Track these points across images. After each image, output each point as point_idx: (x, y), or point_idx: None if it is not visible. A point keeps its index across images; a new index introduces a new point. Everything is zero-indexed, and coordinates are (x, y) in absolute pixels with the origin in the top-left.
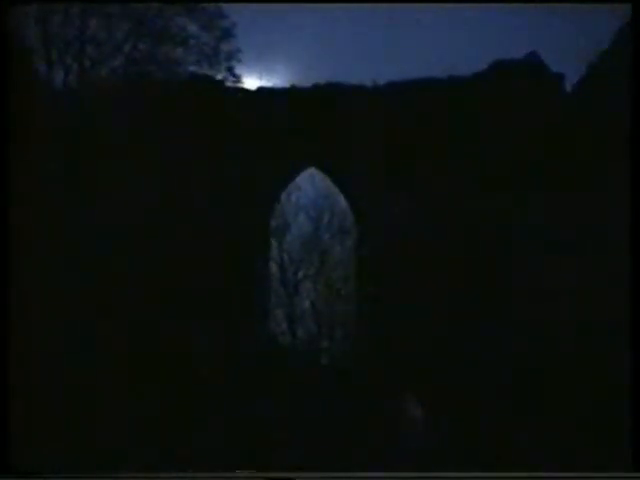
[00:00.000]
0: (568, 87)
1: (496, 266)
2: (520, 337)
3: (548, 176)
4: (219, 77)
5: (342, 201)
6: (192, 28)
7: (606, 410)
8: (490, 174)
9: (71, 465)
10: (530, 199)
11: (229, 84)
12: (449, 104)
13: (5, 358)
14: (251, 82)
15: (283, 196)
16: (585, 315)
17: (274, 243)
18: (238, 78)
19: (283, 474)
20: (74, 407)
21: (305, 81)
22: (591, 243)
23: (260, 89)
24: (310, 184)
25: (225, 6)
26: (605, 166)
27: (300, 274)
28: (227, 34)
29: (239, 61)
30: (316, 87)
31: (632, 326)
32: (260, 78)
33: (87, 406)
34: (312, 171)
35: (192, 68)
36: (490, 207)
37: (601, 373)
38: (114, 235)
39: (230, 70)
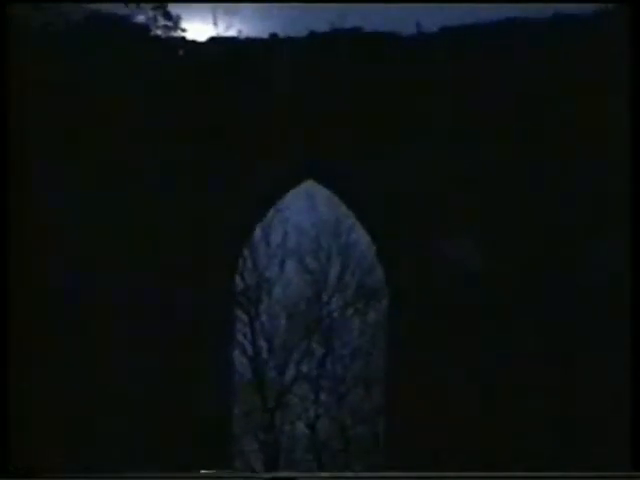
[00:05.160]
0: None
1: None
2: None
3: None
4: (141, 19)
5: (363, 239)
6: None
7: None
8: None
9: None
10: None
11: (159, 31)
12: None
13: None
14: (197, 27)
15: (258, 232)
16: None
17: (243, 317)
18: (175, 21)
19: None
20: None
21: (294, 25)
22: None
23: (214, 40)
24: (306, 210)
25: None
26: None
27: (289, 373)
28: None
29: None
30: (313, 36)
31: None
32: (214, 22)
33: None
34: (309, 186)
35: (93, 4)
36: None
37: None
38: None
39: (161, 8)
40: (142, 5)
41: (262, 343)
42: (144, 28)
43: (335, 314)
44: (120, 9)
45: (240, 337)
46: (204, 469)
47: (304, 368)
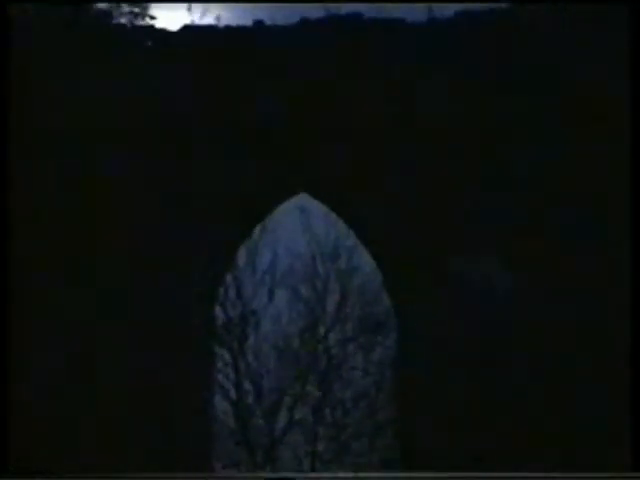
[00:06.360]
0: None
1: None
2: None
3: None
4: (102, 5)
5: (366, 263)
6: None
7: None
8: None
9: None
10: None
11: (124, 19)
12: None
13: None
14: (168, 14)
15: (242, 254)
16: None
17: (225, 356)
18: (142, 7)
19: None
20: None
21: (283, 10)
22: None
23: (188, 29)
24: (299, 229)
25: None
26: None
27: (280, 421)
28: None
29: None
30: (305, 23)
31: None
32: (188, 7)
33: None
34: (302, 200)
35: None
36: None
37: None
38: None
39: None
40: None
41: (248, 386)
42: (105, 15)
43: (334, 351)
44: None
45: (221, 379)
46: None
47: (298, 414)
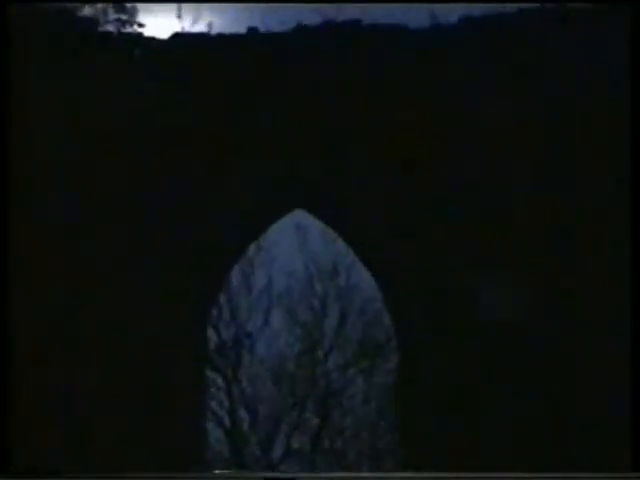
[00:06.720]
0: None
1: None
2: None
3: None
4: (87, 13)
5: (366, 282)
6: None
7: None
8: None
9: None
10: None
11: (110, 27)
12: None
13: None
14: (158, 22)
15: (236, 274)
16: None
17: (218, 381)
18: (131, 14)
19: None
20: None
21: (278, 16)
22: None
23: (178, 37)
24: (295, 246)
25: None
26: None
27: (276, 450)
28: None
29: None
30: (301, 30)
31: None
32: (178, 14)
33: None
34: (299, 216)
35: None
36: None
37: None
38: None
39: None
40: None
41: (242, 413)
42: (91, 23)
43: (333, 375)
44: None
45: (214, 406)
46: None
47: (295, 443)
